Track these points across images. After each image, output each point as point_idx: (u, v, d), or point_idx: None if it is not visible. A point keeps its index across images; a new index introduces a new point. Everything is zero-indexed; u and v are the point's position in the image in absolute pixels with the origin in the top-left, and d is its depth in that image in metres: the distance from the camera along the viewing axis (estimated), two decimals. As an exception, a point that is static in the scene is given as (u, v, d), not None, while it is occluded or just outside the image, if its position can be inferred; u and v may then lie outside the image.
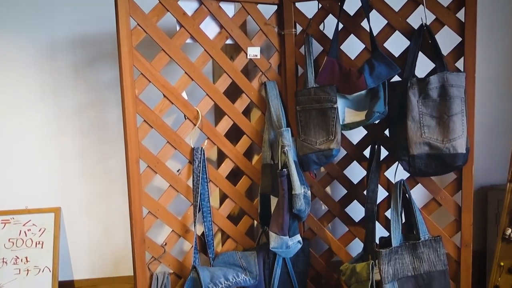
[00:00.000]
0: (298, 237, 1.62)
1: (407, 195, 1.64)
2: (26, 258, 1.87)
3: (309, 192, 1.62)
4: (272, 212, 1.66)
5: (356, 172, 1.80)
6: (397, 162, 1.66)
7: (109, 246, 2.02)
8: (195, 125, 1.63)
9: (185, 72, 1.61)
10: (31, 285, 1.85)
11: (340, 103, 1.62)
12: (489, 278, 1.73)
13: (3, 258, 1.87)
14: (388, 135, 1.71)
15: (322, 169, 1.97)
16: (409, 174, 1.67)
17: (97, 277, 2.01)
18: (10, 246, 1.89)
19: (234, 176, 1.82)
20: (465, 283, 1.67)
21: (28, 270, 1.86)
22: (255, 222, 1.92)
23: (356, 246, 1.81)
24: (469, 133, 1.54)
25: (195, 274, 1.56)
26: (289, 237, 1.58)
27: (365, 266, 1.57)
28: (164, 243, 1.62)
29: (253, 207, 1.80)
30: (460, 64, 1.60)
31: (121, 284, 1.99)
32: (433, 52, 1.59)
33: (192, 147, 1.64)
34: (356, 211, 1.81)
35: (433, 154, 1.52)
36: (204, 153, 1.64)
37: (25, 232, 1.90)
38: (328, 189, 1.92)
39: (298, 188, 1.53)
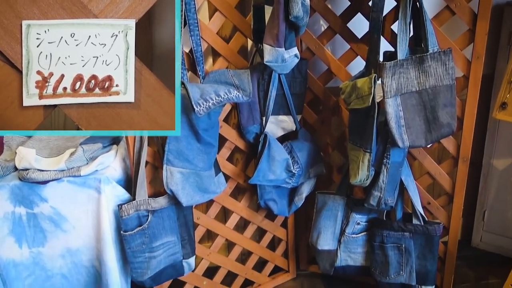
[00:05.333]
0: (295, 50, 1.48)
1: (417, 3, 1.46)
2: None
3: (307, 0, 1.44)
4: (266, 24, 1.49)
5: (361, -20, 1.60)
6: (409, -36, 1.45)
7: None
8: None
9: None
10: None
11: None
12: (495, 98, 1.64)
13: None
14: None
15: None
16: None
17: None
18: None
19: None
20: (472, 98, 1.58)
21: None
22: (249, 43, 1.77)
23: (358, 66, 1.68)
24: None
25: (184, 91, 1.45)
26: (285, 49, 1.43)
27: (367, 81, 1.46)
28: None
29: (246, 23, 1.62)
30: None
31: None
32: None
33: None
34: (360, 26, 1.63)
35: None
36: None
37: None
38: (328, 3, 1.72)
39: (296, -9, 1.34)
